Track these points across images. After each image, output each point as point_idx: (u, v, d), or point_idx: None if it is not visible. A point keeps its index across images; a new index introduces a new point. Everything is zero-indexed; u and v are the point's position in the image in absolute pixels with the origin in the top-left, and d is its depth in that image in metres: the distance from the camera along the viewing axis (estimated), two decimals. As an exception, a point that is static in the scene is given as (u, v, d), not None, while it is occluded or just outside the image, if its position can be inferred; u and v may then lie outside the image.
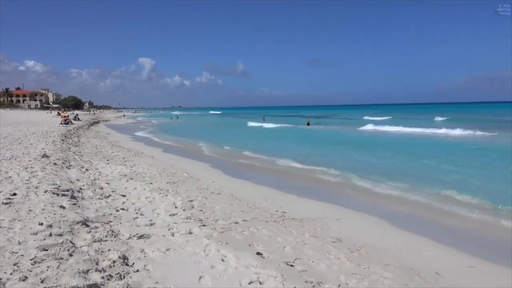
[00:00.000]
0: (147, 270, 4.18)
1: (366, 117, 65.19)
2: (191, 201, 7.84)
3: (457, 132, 30.59)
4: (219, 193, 9.09)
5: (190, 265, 4.45)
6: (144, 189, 8.64)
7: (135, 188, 8.66)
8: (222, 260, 4.69)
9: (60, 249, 4.26)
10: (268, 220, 6.95)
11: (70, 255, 4.17)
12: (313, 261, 4.95)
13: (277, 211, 7.83)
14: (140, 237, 5.27)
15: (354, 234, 6.68)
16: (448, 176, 12.49)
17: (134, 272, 4.07)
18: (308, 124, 46.89)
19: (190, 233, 5.63)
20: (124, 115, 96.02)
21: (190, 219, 6.43)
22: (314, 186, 11.45)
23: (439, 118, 54.42)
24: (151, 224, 5.93)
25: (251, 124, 51.61)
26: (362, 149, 20.97)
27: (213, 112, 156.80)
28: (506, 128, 35.17)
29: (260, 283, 4.13)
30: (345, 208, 8.70)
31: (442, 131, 32.08)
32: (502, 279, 5.30)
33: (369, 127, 39.73)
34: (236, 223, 6.50)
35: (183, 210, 6.99)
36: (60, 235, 4.72)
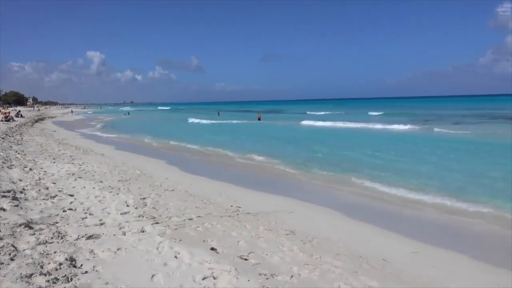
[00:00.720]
0: (97, 271, 4.04)
1: (309, 112, 68.00)
2: (143, 198, 7.67)
3: (394, 126, 32.35)
4: (173, 190, 8.96)
5: (142, 264, 4.36)
6: (94, 188, 8.32)
7: (84, 187, 8.32)
8: (176, 257, 4.64)
9: (0, 253, 4.01)
10: (222, 215, 6.96)
11: (12, 259, 3.93)
12: (267, 254, 5.02)
13: (231, 206, 7.85)
14: (89, 237, 5.08)
15: (307, 226, 6.85)
16: (389, 166, 13.17)
17: (82, 274, 3.92)
18: (259, 119, 47.28)
19: (143, 231, 5.51)
20: (72, 112, 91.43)
21: (143, 217, 6.29)
22: (268, 180, 11.61)
23: (374, 113, 57.27)
24: (101, 224, 5.74)
25: (194, 120, 50.55)
26: (308, 142, 21.64)
27: (161, 108, 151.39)
28: (433, 121, 37.81)
29: (214, 278, 4.14)
30: (298, 201, 8.91)
31: (379, 126, 33.99)
32: (443, 261, 5.67)
33: (308, 122, 41.20)
34: (190, 219, 6.44)
35: (135, 208, 6.82)
36: (0, 238, 4.44)
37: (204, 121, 47.63)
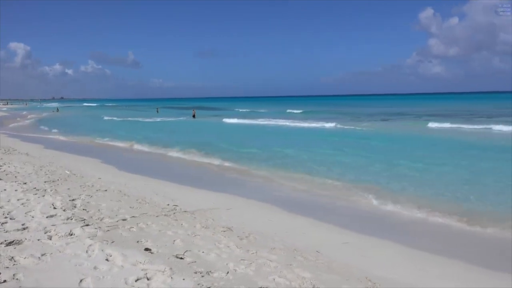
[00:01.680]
0: (17, 279, 3.74)
1: (237, 109, 70.61)
2: (73, 200, 7.24)
3: (303, 124, 34.19)
4: (106, 190, 8.57)
5: (70, 269, 4.12)
6: (16, 190, 7.69)
7: (5, 190, 7.66)
8: (107, 259, 4.44)
9: None
10: (158, 214, 6.79)
11: None
12: (203, 252, 4.99)
13: (168, 204, 7.70)
14: (9, 244, 4.69)
15: (244, 222, 6.93)
16: (315, 161, 13.81)
17: (0, 283, 3.61)
18: (193, 116, 46.84)
19: (71, 235, 5.21)
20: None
21: (71, 219, 5.93)
22: (206, 177, 11.58)
23: (295, 111, 58.25)
24: (24, 229, 5.32)
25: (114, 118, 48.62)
26: (237, 139, 22.25)
27: (87, 104, 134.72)
28: (346, 118, 40.14)
29: (148, 279, 4.03)
30: (236, 197, 9.00)
31: (293, 123, 35.62)
32: (372, 250, 6.04)
33: (231, 120, 41.25)
34: (123, 220, 6.20)
35: (63, 210, 6.42)
36: None
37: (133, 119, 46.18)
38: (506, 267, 5.43)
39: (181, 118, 47.19)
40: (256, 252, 5.20)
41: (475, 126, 27.19)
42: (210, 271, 4.35)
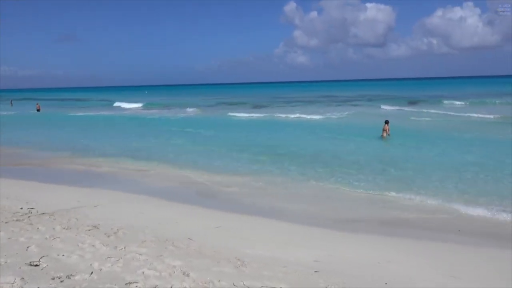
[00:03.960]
0: None
1: (94, 99, 69.02)
2: None
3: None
4: None
5: None
6: None
7: None
8: None
9: None
10: (8, 220, 5.97)
11: None
12: (63, 255, 4.57)
13: (21, 208, 6.83)
14: None
15: (113, 218, 6.57)
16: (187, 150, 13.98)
17: None
18: (38, 110, 42.40)
19: None
20: None
21: None
22: (66, 173, 10.66)
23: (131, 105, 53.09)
24: None
25: None
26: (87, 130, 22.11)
27: None
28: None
29: (-8, 295, 3.53)
30: (105, 191, 8.55)
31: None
32: (243, 230, 6.35)
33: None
34: (-40, 232, 5.28)
35: None
36: None
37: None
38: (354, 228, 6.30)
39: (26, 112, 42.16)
40: (124, 248, 4.98)
41: (281, 114, 31.23)
42: (71, 275, 4.01)
